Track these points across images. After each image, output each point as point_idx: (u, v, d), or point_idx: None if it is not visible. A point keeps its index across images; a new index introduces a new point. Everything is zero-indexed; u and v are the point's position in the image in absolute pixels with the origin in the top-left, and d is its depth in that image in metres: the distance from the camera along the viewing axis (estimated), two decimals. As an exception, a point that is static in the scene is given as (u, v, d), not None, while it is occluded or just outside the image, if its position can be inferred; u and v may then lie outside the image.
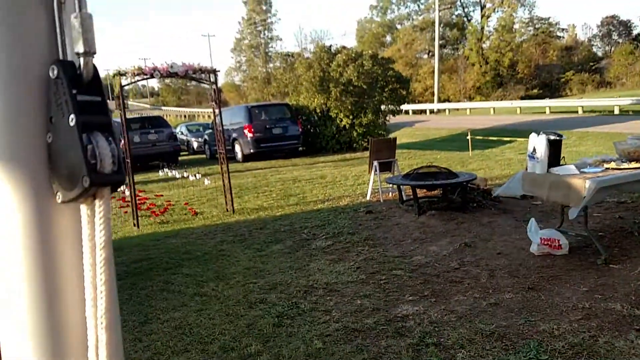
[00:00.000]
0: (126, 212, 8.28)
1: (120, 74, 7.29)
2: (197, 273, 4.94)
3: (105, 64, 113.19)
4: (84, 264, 0.50)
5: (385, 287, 4.23)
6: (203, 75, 7.44)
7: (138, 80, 7.70)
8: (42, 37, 0.49)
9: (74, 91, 0.47)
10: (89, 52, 0.47)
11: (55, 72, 0.48)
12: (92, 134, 0.46)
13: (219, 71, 7.65)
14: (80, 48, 0.47)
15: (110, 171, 0.47)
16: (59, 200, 0.48)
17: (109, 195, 0.49)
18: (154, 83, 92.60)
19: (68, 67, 0.48)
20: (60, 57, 0.48)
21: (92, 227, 0.49)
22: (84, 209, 0.49)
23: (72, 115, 0.46)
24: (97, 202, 0.49)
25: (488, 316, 3.51)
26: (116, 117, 11.03)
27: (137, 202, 7.87)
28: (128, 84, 7.53)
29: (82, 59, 0.48)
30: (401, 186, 7.07)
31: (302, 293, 4.20)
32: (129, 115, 9.29)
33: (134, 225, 7.37)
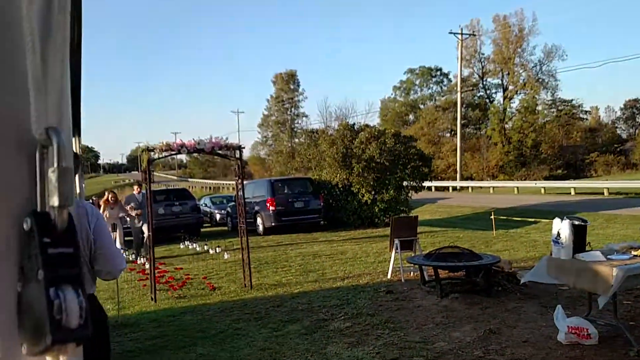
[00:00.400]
0: (145, 285, 8.24)
1: (148, 149, 7.51)
2: (211, 353, 4.80)
3: (137, 137, 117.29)
4: None
5: (405, 375, 4.04)
6: (228, 151, 7.62)
7: (166, 156, 7.92)
8: (21, 187, 0.49)
9: (46, 243, 0.47)
10: (64, 205, 0.48)
11: (29, 224, 0.47)
12: (61, 288, 0.46)
13: (243, 147, 7.83)
14: (55, 202, 0.48)
15: (76, 326, 0.46)
16: (24, 353, 0.46)
17: (73, 350, 0.48)
18: (182, 156, 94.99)
19: (41, 219, 0.48)
20: (39, 208, 0.48)
21: None
22: None
23: (40, 270, 0.46)
24: (62, 358, 0.47)
25: (515, 413, 3.29)
26: (143, 190, 11.31)
27: (156, 275, 7.84)
28: (155, 159, 7.74)
29: (56, 212, 0.48)
30: (423, 266, 6.93)
31: (318, 379, 4.03)
32: (155, 187, 9.55)
33: (152, 299, 7.29)
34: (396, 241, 7.66)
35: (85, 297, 0.47)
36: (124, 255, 11.98)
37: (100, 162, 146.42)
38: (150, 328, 5.83)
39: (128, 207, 11.84)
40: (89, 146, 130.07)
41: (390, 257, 7.79)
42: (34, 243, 0.46)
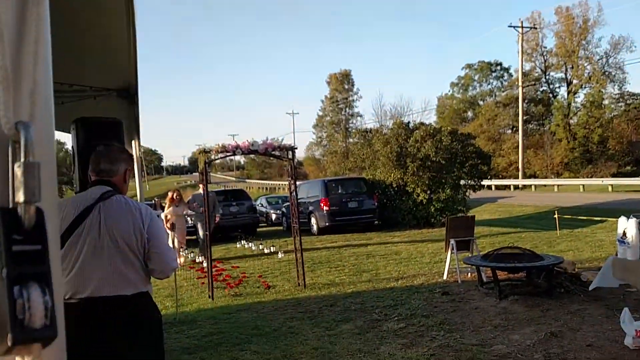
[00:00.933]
0: (203, 283, 8.46)
1: (205, 151, 7.72)
2: (265, 351, 4.86)
3: (197, 139, 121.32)
4: None
5: (460, 378, 3.92)
6: (281, 152, 7.70)
7: (221, 158, 8.10)
8: None
9: (11, 241, 0.46)
10: (30, 201, 0.47)
11: None
12: (26, 286, 0.44)
13: (296, 148, 7.88)
14: (20, 197, 0.47)
15: (40, 326, 0.45)
16: None
17: (39, 351, 0.46)
18: (239, 157, 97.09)
19: (7, 215, 0.47)
20: (10, 204, 0.48)
21: None
22: None
23: (4, 268, 0.45)
24: (26, 359, 0.46)
25: (578, 421, 3.13)
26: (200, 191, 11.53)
27: (214, 273, 8.03)
28: (212, 161, 7.93)
29: (22, 208, 0.47)
30: (480, 267, 6.72)
31: (370, 379, 3.98)
32: (214, 188, 9.82)
33: (209, 297, 7.48)
34: (452, 241, 7.48)
35: (52, 298, 0.45)
36: (184, 253, 12.34)
37: (163, 164, 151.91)
38: (207, 325, 5.97)
39: (194, 205, 11.49)
40: (153, 149, 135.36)
41: (446, 258, 7.62)
42: (0, 239, 0.46)
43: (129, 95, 5.34)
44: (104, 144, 2.73)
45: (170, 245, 10.56)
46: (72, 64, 4.57)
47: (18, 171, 0.46)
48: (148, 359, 2.45)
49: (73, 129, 4.45)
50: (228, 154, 7.79)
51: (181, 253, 11.18)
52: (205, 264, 8.36)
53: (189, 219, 12.59)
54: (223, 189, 27.91)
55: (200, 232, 11.55)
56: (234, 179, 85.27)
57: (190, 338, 5.49)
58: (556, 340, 4.57)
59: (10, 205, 0.47)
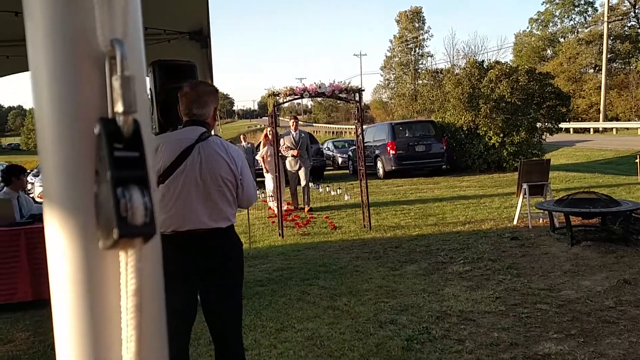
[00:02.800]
0: (273, 222, 8.79)
1: (273, 94, 7.82)
2: (332, 286, 5.06)
3: (267, 83, 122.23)
4: (121, 307, 0.53)
5: (526, 321, 3.94)
6: (348, 95, 7.65)
7: (289, 100, 8.17)
8: (94, 95, 0.54)
9: (113, 147, 0.50)
10: (128, 112, 0.51)
11: (98, 129, 0.52)
12: (127, 188, 0.49)
13: (363, 90, 7.81)
14: (119, 108, 0.51)
15: (141, 223, 0.50)
16: (100, 247, 0.52)
17: (140, 246, 0.51)
18: (307, 101, 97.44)
19: (108, 124, 0.52)
20: (109, 114, 0.53)
21: (126, 274, 0.52)
22: (122, 255, 0.52)
23: (108, 171, 0.50)
24: (130, 252, 0.51)
25: (647, 367, 3.09)
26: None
27: (284, 213, 8.33)
28: (280, 104, 8.03)
29: (122, 118, 0.51)
30: (553, 212, 6.54)
31: (434, 318, 4.08)
32: (283, 132, 9.90)
33: (279, 235, 7.79)
34: (524, 186, 7.27)
35: (150, 199, 0.51)
36: (259, 194, 12.77)
37: (234, 108, 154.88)
38: (278, 260, 6.27)
39: (284, 147, 9.66)
40: (225, 93, 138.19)
41: (518, 203, 7.45)
42: (102, 145, 0.51)
43: (202, 38, 5.46)
44: (189, 83, 2.85)
45: (270, 187, 10.01)
46: (146, 7, 4.72)
47: (116, 84, 0.51)
48: (238, 280, 2.78)
49: (150, 72, 4.65)
50: (296, 96, 7.85)
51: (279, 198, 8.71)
52: (275, 205, 8.66)
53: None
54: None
55: (303, 179, 9.87)
56: (302, 123, 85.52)
57: (263, 272, 5.80)
58: (629, 288, 4.45)
59: (110, 116, 0.52)
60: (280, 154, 9.12)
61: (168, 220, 2.54)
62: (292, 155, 9.77)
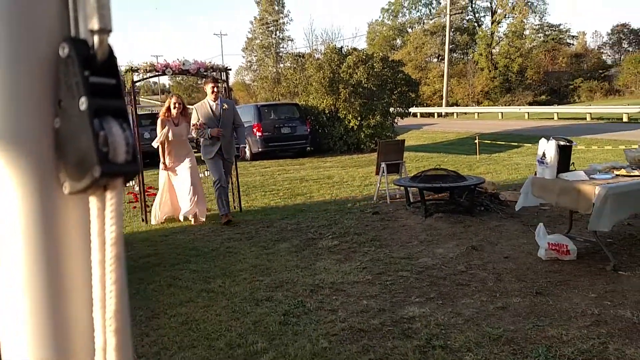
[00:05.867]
0: (134, 207, 8.30)
1: (132, 70, 7.33)
2: (204, 269, 4.96)
3: (119, 59, 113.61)
4: (92, 261, 0.46)
5: (391, 288, 4.23)
6: (214, 73, 7.45)
7: (150, 77, 7.73)
8: (52, 12, 0.44)
9: (86, 72, 0.43)
10: (104, 30, 0.43)
11: (66, 50, 0.43)
12: (105, 120, 0.42)
13: (230, 69, 7.68)
14: (94, 25, 0.43)
15: (123, 161, 0.43)
16: (66, 192, 0.44)
17: (121, 187, 0.45)
18: (165, 80, 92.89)
19: (80, 45, 0.43)
20: (72, 34, 0.44)
21: (101, 222, 0.45)
22: (93, 201, 0.45)
23: (82, 98, 0.42)
24: (108, 195, 0.44)
25: (495, 320, 3.51)
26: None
27: (146, 197, 7.90)
28: (139, 80, 7.57)
29: (96, 37, 0.43)
30: (408, 188, 7.07)
31: (308, 292, 4.21)
32: (140, 112, 9.25)
33: (142, 220, 7.40)
34: (383, 164, 7.75)
35: (131, 133, 0.44)
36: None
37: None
38: (143, 247, 5.96)
39: (197, 124, 6.64)
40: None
41: (377, 181, 7.91)
42: (73, 69, 0.42)
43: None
44: None
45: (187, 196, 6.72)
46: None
47: None
48: None
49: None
50: (157, 73, 7.45)
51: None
52: (137, 188, 8.18)
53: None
54: (149, 112, 26.80)
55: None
56: (159, 103, 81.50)
57: (127, 260, 5.42)
58: (477, 253, 4.99)
59: (82, 36, 0.44)
60: (191, 136, 6.99)
61: None
62: (209, 137, 6.61)
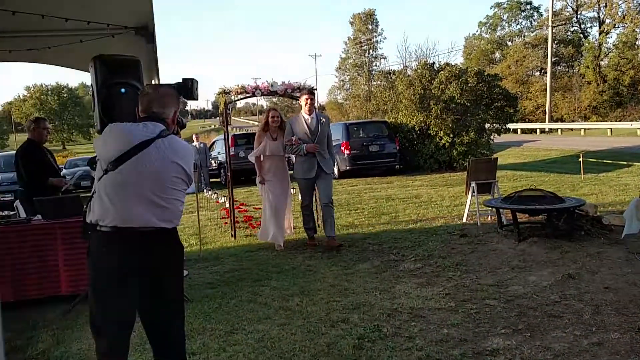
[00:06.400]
0: (226, 223, 8.63)
1: (225, 92, 7.67)
2: (284, 286, 5.00)
3: (222, 83, 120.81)
4: None
5: (475, 317, 3.99)
6: (299, 93, 7.58)
7: (241, 99, 8.05)
8: None
9: None
10: None
11: None
12: None
13: (316, 89, 7.77)
14: None
15: None
16: None
17: None
18: (262, 101, 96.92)
19: None
20: None
21: None
22: None
23: None
24: None
25: (589, 357, 3.18)
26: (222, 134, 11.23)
27: (236, 214, 8.19)
28: (231, 102, 7.89)
29: None
30: (500, 210, 6.70)
31: (386, 316, 4.08)
32: (237, 132, 9.66)
33: (232, 236, 7.65)
34: (473, 184, 7.42)
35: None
36: (211, 195, 12.56)
37: (187, 108, 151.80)
38: (230, 262, 6.14)
39: (292, 140, 6.34)
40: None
41: (467, 201, 7.59)
42: None
43: (147, 33, 5.29)
44: (150, 85, 2.82)
45: (268, 212, 6.66)
46: (88, 0, 4.53)
47: None
48: (179, 284, 2.71)
49: (92, 67, 4.44)
50: (248, 95, 7.73)
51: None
52: (227, 205, 8.50)
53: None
54: (246, 132, 28.01)
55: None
56: (256, 123, 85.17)
57: (214, 274, 5.66)
58: (573, 282, 4.59)
59: None
60: (286, 153, 6.65)
61: (112, 214, 2.42)
62: (304, 154, 6.32)
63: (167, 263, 2.57)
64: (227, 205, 8.72)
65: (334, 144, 7.41)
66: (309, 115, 6.45)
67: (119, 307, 2.47)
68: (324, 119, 6.58)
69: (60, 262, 4.76)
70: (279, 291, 4.87)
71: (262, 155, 6.69)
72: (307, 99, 6.45)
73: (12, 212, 5.44)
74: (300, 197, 6.74)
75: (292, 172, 6.92)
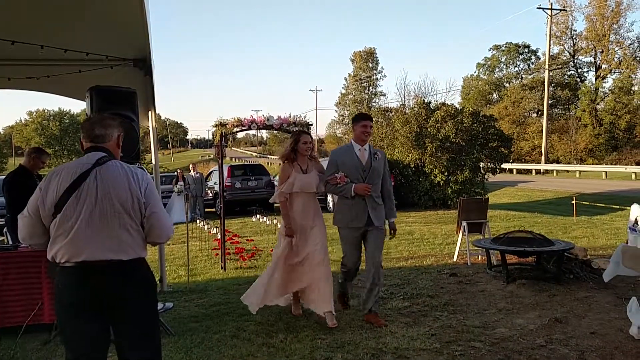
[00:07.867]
0: (217, 254, 8.59)
1: (221, 124, 7.76)
2: (269, 322, 4.95)
3: (223, 113, 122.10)
4: None
5: (460, 359, 3.95)
6: (296, 128, 7.68)
7: (237, 131, 8.14)
8: None
9: None
10: None
11: None
12: None
13: (311, 125, 7.88)
14: None
15: None
16: None
17: None
18: (263, 133, 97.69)
19: None
20: None
21: None
22: None
23: None
24: None
25: (571, 406, 3.14)
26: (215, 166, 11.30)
27: (228, 245, 8.17)
28: (227, 135, 7.98)
29: None
30: (490, 250, 6.70)
31: (370, 356, 4.03)
32: (235, 163, 9.76)
33: (221, 267, 7.61)
34: (464, 223, 7.45)
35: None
36: (204, 225, 12.52)
37: (188, 137, 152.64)
38: (217, 295, 6.09)
39: (338, 177, 4.67)
40: (178, 122, 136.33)
41: (457, 240, 7.59)
42: None
43: (145, 65, 5.40)
44: (114, 113, 2.79)
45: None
46: (87, 32, 4.63)
47: None
48: (143, 322, 2.54)
49: (88, 97, 4.53)
50: (244, 128, 7.83)
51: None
52: (219, 236, 8.49)
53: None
54: (243, 163, 28.18)
55: None
56: (255, 154, 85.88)
57: (199, 307, 5.61)
58: (560, 326, 4.56)
59: None
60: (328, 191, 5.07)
61: (63, 249, 2.38)
62: (351, 196, 4.83)
63: (124, 296, 2.45)
64: (219, 236, 8.71)
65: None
66: (362, 146, 4.86)
67: (79, 341, 2.41)
68: (379, 154, 4.94)
69: (44, 290, 4.72)
70: (264, 327, 4.82)
71: (286, 194, 4.91)
72: (364, 125, 4.85)
73: (1, 238, 5.44)
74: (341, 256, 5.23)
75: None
